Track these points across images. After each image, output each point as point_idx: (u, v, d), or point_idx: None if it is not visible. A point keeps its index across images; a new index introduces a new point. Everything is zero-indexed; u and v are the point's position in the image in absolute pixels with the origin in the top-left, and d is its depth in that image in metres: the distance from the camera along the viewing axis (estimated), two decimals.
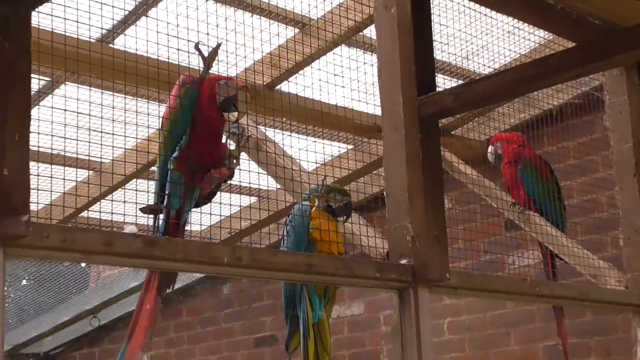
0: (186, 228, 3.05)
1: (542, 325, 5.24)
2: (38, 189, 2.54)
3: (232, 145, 3.30)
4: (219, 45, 2.96)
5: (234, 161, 3.02)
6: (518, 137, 4.68)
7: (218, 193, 3.25)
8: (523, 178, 4.70)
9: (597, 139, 4.85)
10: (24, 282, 7.70)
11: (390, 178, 3.33)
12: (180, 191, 2.90)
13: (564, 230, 4.71)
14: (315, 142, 4.62)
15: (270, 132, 4.48)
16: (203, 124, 2.95)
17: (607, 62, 3.00)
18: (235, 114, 3.01)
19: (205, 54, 2.98)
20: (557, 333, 4.77)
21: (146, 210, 2.90)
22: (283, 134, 4.44)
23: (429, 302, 3.23)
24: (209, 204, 3.15)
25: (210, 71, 3.03)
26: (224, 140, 3.14)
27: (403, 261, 3.22)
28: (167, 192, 2.91)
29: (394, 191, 3.30)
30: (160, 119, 3.05)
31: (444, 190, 3.35)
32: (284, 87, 4.48)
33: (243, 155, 3.56)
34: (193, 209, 3.02)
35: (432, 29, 3.47)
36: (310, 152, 3.60)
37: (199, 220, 3.09)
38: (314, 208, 3.28)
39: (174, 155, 2.92)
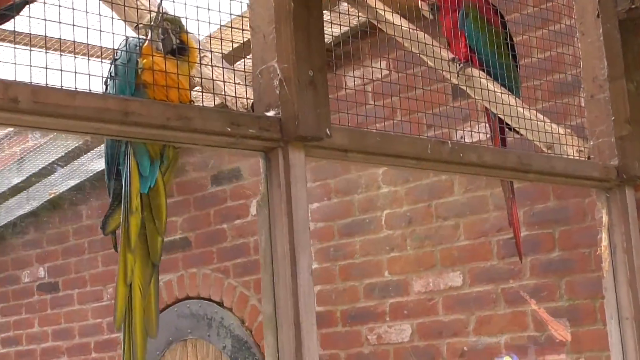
0: None
1: (497, 214, 4.87)
2: None
3: None
4: None
5: None
6: None
7: None
8: (464, 26, 4.27)
9: None
10: None
11: (255, 4, 2.89)
12: None
13: (518, 94, 4.30)
14: None
15: None
16: None
17: None
18: None
19: None
20: (508, 221, 4.43)
21: None
22: None
23: (304, 166, 2.80)
24: None
25: None
26: None
27: (270, 113, 2.79)
28: None
29: (258, 21, 2.87)
30: None
31: (322, 16, 2.90)
32: None
33: None
34: None
35: None
36: None
37: None
38: (146, 43, 2.79)
39: None
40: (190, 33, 2.91)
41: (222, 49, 4.74)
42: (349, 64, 4.95)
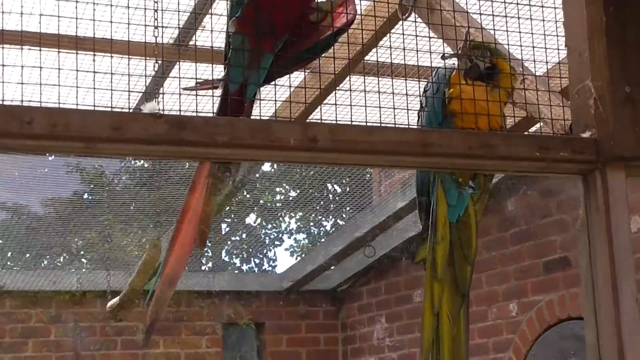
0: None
1: None
2: None
3: None
4: None
5: (324, 16, 2.64)
6: None
7: None
8: None
9: None
10: None
11: (569, 22, 2.82)
12: (244, 60, 2.57)
13: None
14: None
15: None
16: None
17: None
18: None
19: None
20: None
21: (196, 87, 2.59)
22: None
23: (625, 188, 2.66)
24: None
25: None
26: None
27: (586, 134, 2.69)
28: (226, 62, 2.62)
29: (573, 39, 2.80)
30: None
31: None
32: None
33: None
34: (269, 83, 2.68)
35: None
36: None
37: None
38: (454, 72, 2.79)
39: (236, 15, 2.60)
40: (503, 58, 2.86)
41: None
42: None
